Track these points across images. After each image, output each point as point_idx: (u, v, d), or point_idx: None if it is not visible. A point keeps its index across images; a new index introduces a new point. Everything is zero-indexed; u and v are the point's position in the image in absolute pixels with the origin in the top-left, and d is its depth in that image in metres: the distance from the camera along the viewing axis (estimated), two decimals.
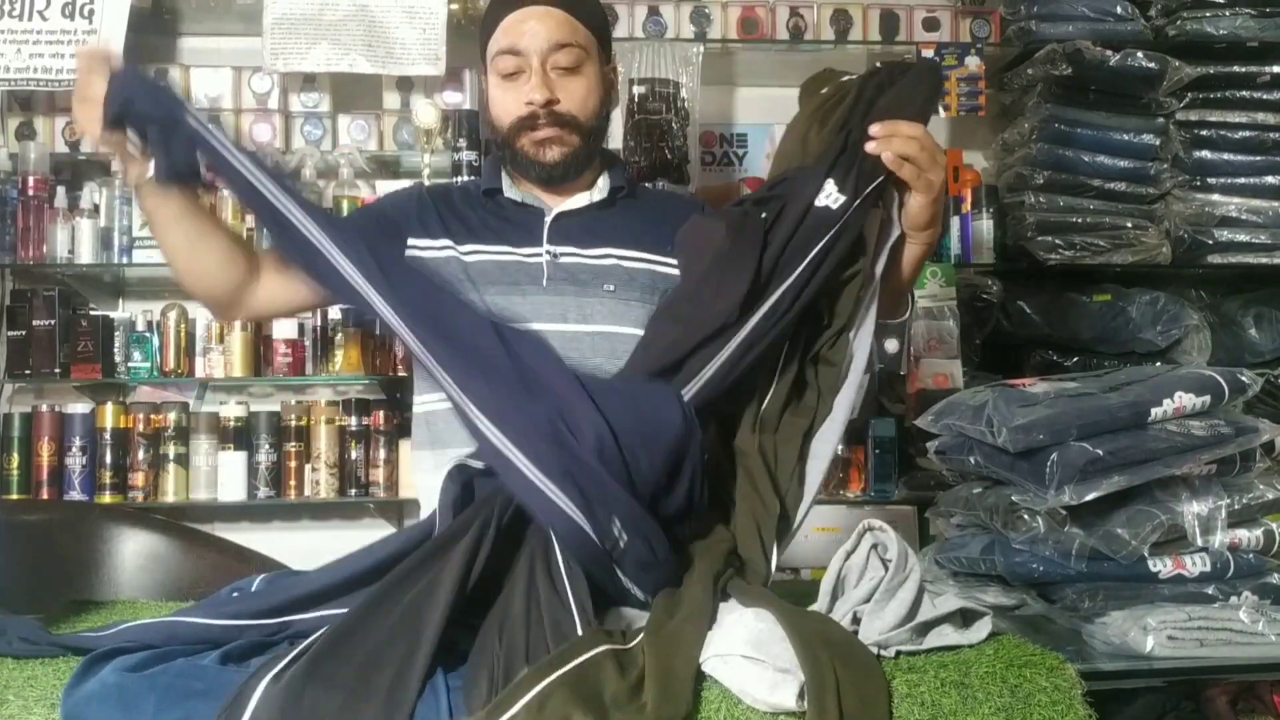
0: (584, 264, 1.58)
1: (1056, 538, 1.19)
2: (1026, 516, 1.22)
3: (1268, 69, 2.79)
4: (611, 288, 1.57)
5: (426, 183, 1.94)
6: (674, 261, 1.59)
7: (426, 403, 1.61)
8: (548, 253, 1.58)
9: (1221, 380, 1.20)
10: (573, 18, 1.57)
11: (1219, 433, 1.18)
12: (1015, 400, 1.22)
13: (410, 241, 1.60)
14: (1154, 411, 1.17)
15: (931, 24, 2.85)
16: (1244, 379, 1.22)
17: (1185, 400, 1.18)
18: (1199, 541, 1.17)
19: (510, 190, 1.63)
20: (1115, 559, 1.15)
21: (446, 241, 1.59)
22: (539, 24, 1.55)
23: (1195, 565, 1.17)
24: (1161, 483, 1.18)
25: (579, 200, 1.62)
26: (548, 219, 1.60)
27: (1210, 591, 1.16)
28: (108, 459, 2.70)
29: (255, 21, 2.69)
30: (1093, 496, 1.13)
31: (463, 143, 2.68)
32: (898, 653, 0.98)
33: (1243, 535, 1.19)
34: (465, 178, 2.68)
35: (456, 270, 1.57)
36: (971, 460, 1.28)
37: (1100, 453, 1.14)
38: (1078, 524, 1.19)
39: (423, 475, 1.63)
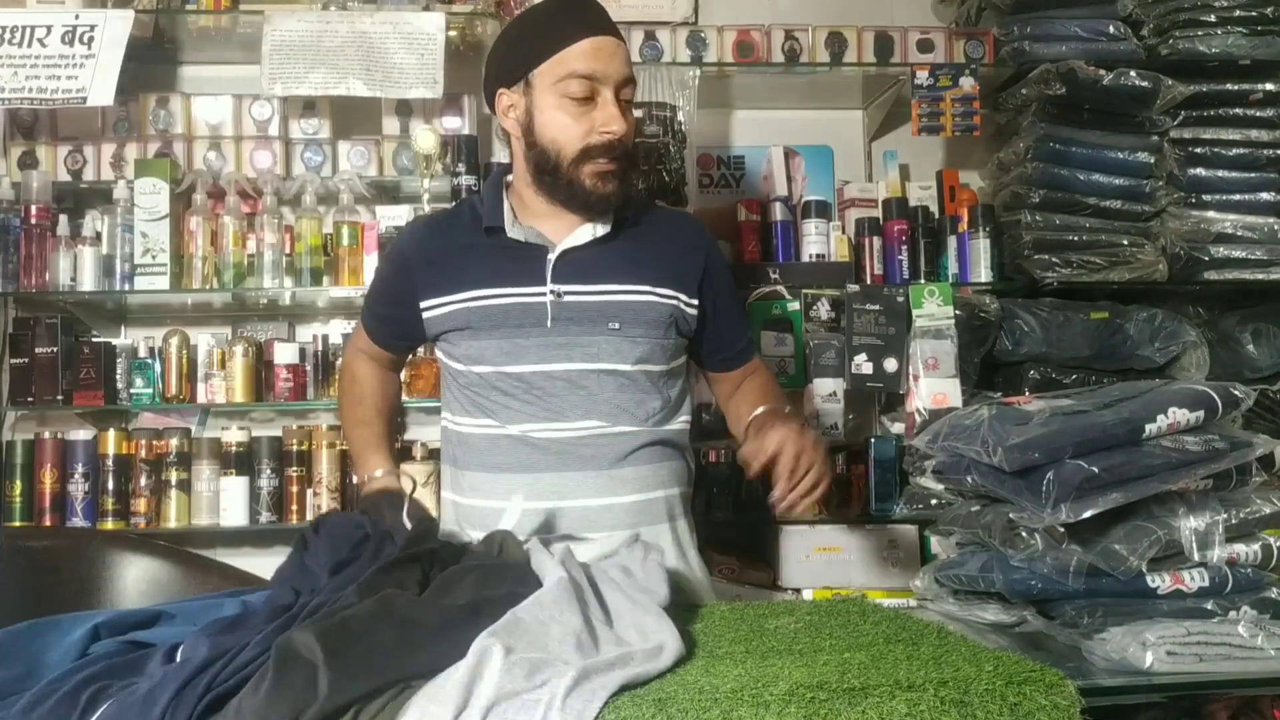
0: (588, 301, 1.58)
1: (1055, 554, 1.19)
2: (1025, 534, 1.23)
3: (1260, 86, 2.81)
4: (616, 325, 1.58)
5: (422, 217, 2.00)
6: (681, 296, 1.63)
7: (451, 421, 1.70)
8: (552, 292, 1.57)
9: (1215, 395, 1.21)
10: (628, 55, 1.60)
11: (1213, 448, 1.18)
12: (1010, 419, 1.22)
13: (422, 304, 1.64)
14: (1148, 428, 1.17)
15: (925, 45, 2.88)
16: (1237, 393, 1.22)
17: (1179, 416, 1.18)
18: (1196, 556, 1.17)
19: (513, 229, 1.61)
20: (1114, 575, 1.15)
21: (451, 296, 1.61)
22: (615, 55, 1.55)
23: (1193, 580, 1.17)
24: (1159, 498, 1.19)
25: (582, 236, 1.61)
26: (551, 256, 1.59)
27: (1209, 606, 1.16)
28: (110, 485, 2.70)
29: (255, 49, 2.71)
30: (1089, 514, 1.13)
31: (462, 167, 2.70)
32: None
33: (1240, 550, 1.19)
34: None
35: (461, 320, 1.60)
36: (969, 479, 1.28)
37: (1095, 470, 1.14)
38: (1076, 541, 1.19)
39: (444, 489, 1.72)
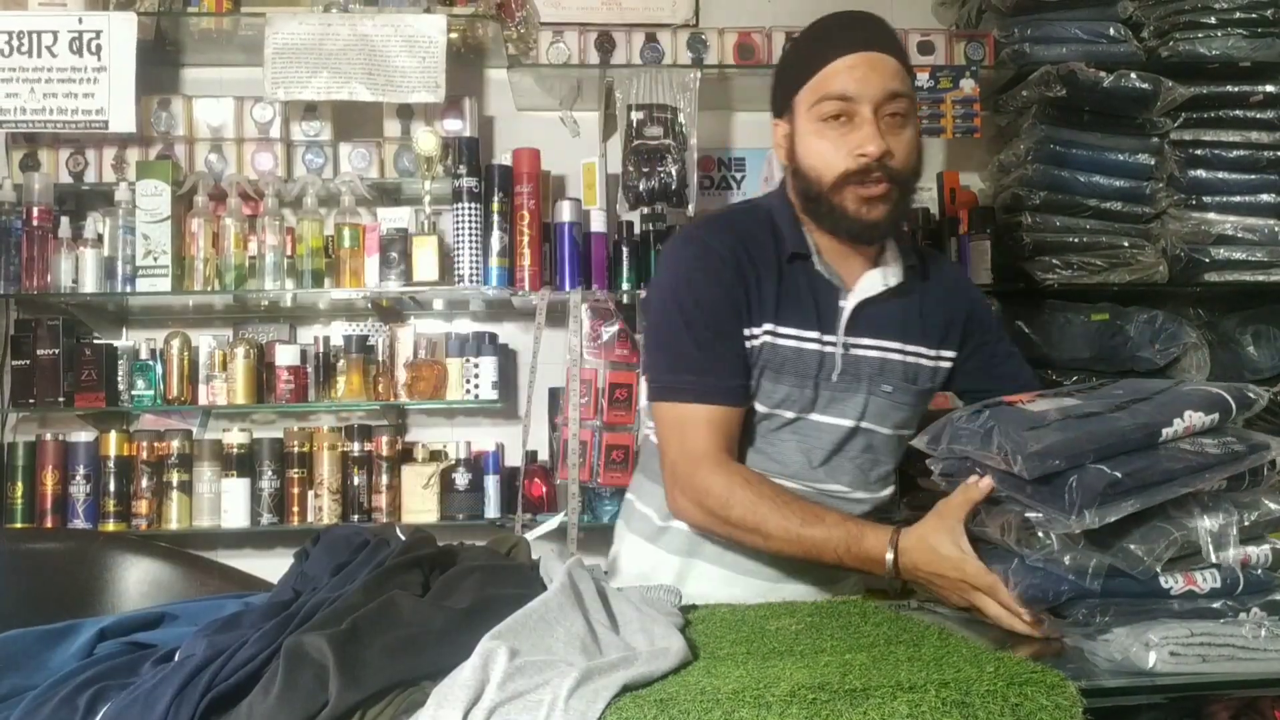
0: (871, 357, 1.54)
1: (1072, 555, 1.18)
2: (1040, 534, 1.21)
3: (1260, 88, 2.81)
4: (889, 389, 1.54)
5: (719, 218, 1.65)
6: (944, 354, 1.60)
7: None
8: (843, 344, 1.52)
9: (1229, 397, 1.20)
10: (902, 67, 1.49)
11: (1232, 450, 1.17)
12: (1021, 423, 1.21)
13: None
14: (1165, 431, 1.16)
15: (926, 48, 2.88)
16: (1251, 395, 1.21)
17: (1195, 419, 1.17)
18: (1213, 558, 1.16)
19: (818, 262, 1.54)
20: (1132, 575, 1.14)
21: (762, 328, 1.52)
22: (873, 71, 1.45)
23: (1206, 582, 1.16)
24: (1174, 499, 1.18)
25: (874, 284, 1.54)
26: (844, 304, 1.53)
27: (1218, 607, 1.15)
28: (111, 487, 2.71)
29: (257, 52, 2.72)
30: (1113, 519, 1.13)
31: (463, 169, 2.71)
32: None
33: (1252, 552, 1.18)
34: (465, 204, 2.70)
35: (757, 357, 1.52)
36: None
37: (1118, 475, 1.12)
38: (1092, 541, 1.18)
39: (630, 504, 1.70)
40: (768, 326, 1.51)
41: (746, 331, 1.51)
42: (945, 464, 1.35)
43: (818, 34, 1.54)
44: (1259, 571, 1.18)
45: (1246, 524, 1.18)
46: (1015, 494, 1.22)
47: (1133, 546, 1.15)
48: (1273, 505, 1.20)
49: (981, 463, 1.27)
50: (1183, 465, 1.16)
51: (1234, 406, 1.20)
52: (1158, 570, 1.15)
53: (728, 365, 1.49)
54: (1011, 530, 1.24)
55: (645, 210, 2.76)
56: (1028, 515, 1.20)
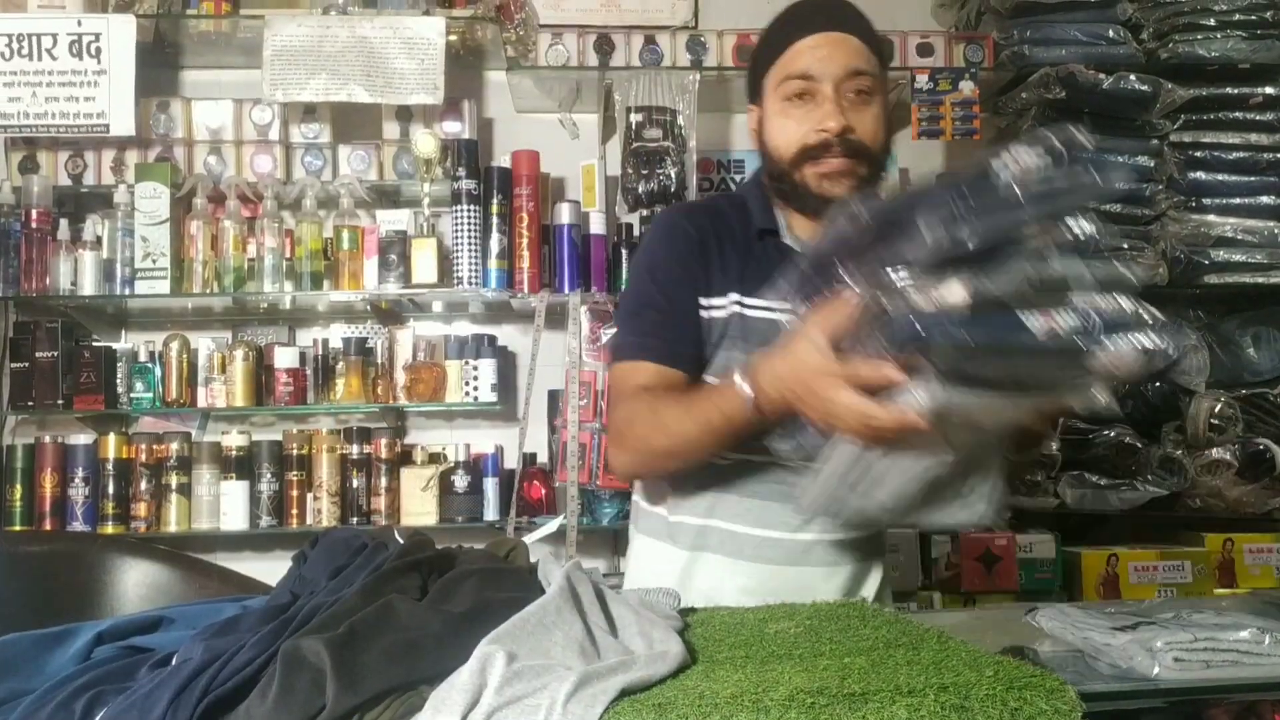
0: None
1: (929, 297, 1.14)
2: (900, 290, 1.17)
3: (1260, 90, 2.81)
4: None
5: (683, 205, 1.75)
6: None
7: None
8: None
9: (1051, 136, 1.18)
10: (866, 46, 1.52)
11: (1056, 188, 1.15)
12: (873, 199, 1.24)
13: (700, 301, 1.53)
14: (995, 164, 1.15)
15: (925, 50, 2.88)
16: (1079, 135, 1.20)
17: (1023, 155, 1.17)
18: (1070, 297, 1.15)
19: (787, 235, 1.56)
20: (994, 314, 1.13)
21: (724, 298, 1.53)
22: (834, 49, 1.49)
23: (1064, 321, 1.13)
24: (1027, 247, 1.16)
25: None
26: None
27: (1080, 342, 1.11)
28: (110, 489, 2.71)
29: (256, 54, 2.72)
30: (969, 243, 1.10)
31: (462, 171, 2.71)
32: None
33: (1102, 298, 1.16)
34: (464, 206, 2.70)
35: (727, 328, 1.52)
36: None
37: (963, 203, 1.13)
38: (950, 284, 1.16)
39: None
40: (734, 296, 1.52)
41: (708, 301, 1.53)
42: (802, 290, 1.31)
43: (784, 19, 1.58)
44: (1115, 309, 1.16)
45: (1099, 276, 1.17)
46: (872, 265, 1.19)
47: (989, 283, 1.14)
48: (1122, 266, 1.19)
49: (838, 260, 1.23)
50: (1020, 197, 1.16)
51: (1057, 145, 1.20)
52: (1017, 310, 1.14)
53: (675, 331, 1.52)
54: (875, 301, 1.20)
55: (644, 212, 2.76)
56: (883, 272, 1.17)
